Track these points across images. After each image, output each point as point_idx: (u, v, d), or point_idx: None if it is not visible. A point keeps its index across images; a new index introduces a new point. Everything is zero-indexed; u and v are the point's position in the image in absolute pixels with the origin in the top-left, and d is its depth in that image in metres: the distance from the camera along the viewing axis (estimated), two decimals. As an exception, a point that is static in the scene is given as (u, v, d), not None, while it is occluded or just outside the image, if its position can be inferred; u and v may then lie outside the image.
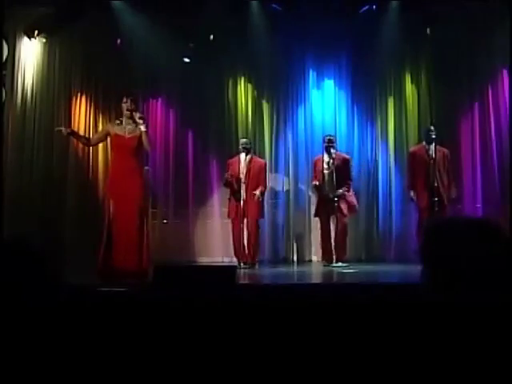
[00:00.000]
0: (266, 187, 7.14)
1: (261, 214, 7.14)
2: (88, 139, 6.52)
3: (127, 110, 5.81)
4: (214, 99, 8.13)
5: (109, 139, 6.07)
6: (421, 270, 1.50)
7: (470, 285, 1.41)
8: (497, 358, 1.31)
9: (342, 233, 7.00)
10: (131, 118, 5.81)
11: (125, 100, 5.85)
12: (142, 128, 5.74)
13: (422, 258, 1.52)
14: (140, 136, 5.75)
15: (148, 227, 6.24)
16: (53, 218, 7.39)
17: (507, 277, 1.43)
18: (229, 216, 7.17)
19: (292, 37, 7.94)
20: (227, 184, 7.05)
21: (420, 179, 6.94)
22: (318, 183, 6.97)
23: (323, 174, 6.97)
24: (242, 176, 6.93)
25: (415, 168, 7.03)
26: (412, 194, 7.06)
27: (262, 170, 7.11)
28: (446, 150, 7.02)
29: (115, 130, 5.86)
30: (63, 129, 6.10)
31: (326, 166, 6.99)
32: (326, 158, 7.02)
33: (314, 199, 7.60)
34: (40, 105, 7.55)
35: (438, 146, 6.87)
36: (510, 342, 1.32)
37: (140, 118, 5.79)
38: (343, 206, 6.94)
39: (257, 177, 7.01)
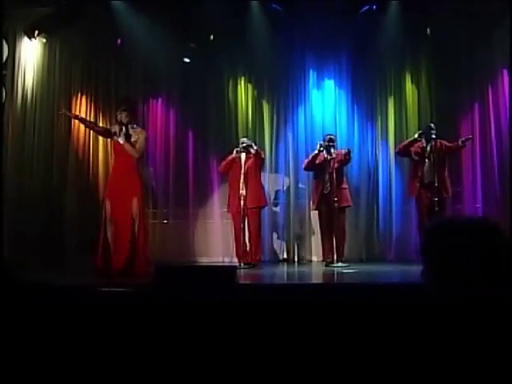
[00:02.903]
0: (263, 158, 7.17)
1: (263, 199, 7.06)
2: (94, 123, 6.96)
3: (120, 122, 6.16)
4: (214, 99, 8.14)
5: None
6: (421, 270, 1.51)
7: (470, 284, 1.41)
8: (497, 357, 1.31)
9: (340, 231, 6.96)
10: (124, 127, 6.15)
11: (119, 112, 6.21)
12: (120, 140, 6.09)
13: (422, 257, 1.52)
14: (135, 141, 6.09)
15: (146, 227, 6.31)
16: (53, 219, 7.39)
17: (507, 276, 1.43)
18: (228, 210, 7.11)
19: (292, 37, 7.95)
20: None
21: (417, 173, 6.88)
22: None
23: (329, 171, 6.89)
24: (243, 171, 6.88)
25: (414, 155, 6.94)
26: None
27: (259, 155, 7.03)
28: (444, 142, 6.86)
29: (114, 136, 6.22)
30: (65, 111, 6.55)
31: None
32: (328, 157, 6.97)
33: (310, 194, 7.55)
34: (40, 105, 7.54)
35: (433, 142, 6.76)
36: (511, 341, 1.32)
37: (125, 134, 6.08)
38: (340, 202, 6.88)
39: (254, 162, 6.96)
